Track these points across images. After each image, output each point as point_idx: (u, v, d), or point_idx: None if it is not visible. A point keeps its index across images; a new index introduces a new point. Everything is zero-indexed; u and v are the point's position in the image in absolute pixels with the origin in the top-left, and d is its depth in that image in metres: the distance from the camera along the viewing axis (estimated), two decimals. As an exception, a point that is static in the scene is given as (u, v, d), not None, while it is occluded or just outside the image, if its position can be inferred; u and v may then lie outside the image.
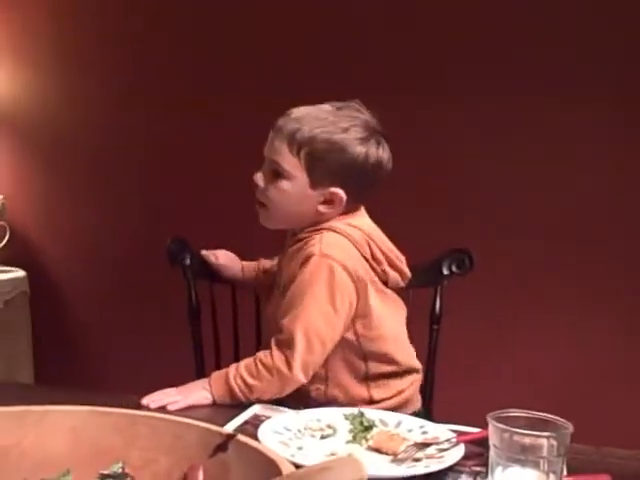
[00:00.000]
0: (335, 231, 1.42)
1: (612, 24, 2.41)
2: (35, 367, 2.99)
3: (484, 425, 1.18)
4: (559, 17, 2.46)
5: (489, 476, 0.99)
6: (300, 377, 1.36)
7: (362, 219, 1.48)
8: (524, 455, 0.96)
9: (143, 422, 0.86)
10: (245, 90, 2.78)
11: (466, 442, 1.14)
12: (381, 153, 1.44)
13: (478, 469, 1.09)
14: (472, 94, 2.55)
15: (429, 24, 2.59)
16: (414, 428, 1.21)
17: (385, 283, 1.48)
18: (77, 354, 3.04)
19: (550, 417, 0.99)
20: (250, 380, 1.36)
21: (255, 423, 1.22)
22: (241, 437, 0.79)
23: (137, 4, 2.97)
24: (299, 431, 1.19)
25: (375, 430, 1.20)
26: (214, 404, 1.37)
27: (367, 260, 1.43)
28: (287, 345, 1.36)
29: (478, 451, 1.14)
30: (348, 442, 1.18)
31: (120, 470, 0.80)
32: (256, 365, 1.37)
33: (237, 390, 1.35)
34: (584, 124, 2.45)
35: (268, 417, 1.24)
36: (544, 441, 0.97)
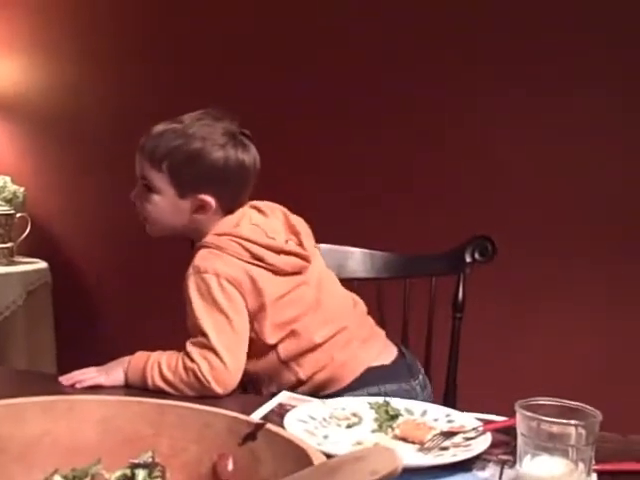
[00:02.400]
0: (205, 246, 1.47)
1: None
2: (58, 357, 3.02)
3: (509, 413, 1.17)
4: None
5: (517, 464, 0.98)
6: (217, 390, 1.37)
7: (232, 221, 1.51)
8: (552, 443, 0.96)
9: (172, 411, 0.86)
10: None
11: (493, 430, 1.14)
12: (241, 155, 1.49)
13: (505, 458, 1.08)
14: (499, 79, 2.54)
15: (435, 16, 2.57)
16: (440, 417, 1.21)
17: (281, 272, 1.48)
18: (99, 344, 3.06)
19: (578, 405, 0.98)
20: (166, 371, 1.38)
21: (280, 412, 1.22)
22: (271, 426, 0.79)
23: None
24: (324, 420, 1.18)
25: (401, 419, 1.20)
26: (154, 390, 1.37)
27: (246, 261, 1.45)
28: (197, 362, 1.38)
29: (505, 440, 1.13)
30: (374, 431, 1.17)
31: (150, 459, 0.80)
32: (177, 361, 1.38)
33: (149, 376, 1.38)
34: (618, 108, 2.42)
35: (293, 406, 1.24)
36: (572, 429, 0.96)
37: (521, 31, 2.49)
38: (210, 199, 1.48)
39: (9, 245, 2.91)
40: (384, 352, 1.58)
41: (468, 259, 1.81)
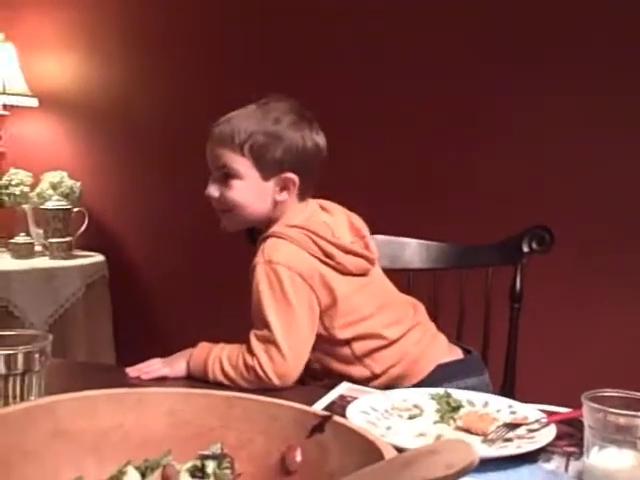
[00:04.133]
0: (276, 236, 1.45)
1: None
2: (116, 348, 3.07)
3: (570, 404, 1.16)
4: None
5: (585, 456, 0.97)
6: (277, 383, 1.37)
7: (303, 214, 1.50)
8: (620, 435, 0.94)
9: (238, 403, 0.87)
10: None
11: (557, 422, 1.12)
12: (315, 136, 1.51)
13: (571, 450, 1.07)
14: (556, 75, 2.50)
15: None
16: (502, 408, 1.20)
17: (346, 272, 1.47)
18: (156, 335, 3.11)
19: (647, 397, 0.97)
20: (227, 367, 1.38)
21: (342, 404, 1.23)
22: (338, 418, 0.79)
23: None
24: (386, 411, 1.19)
25: (463, 410, 1.19)
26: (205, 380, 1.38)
27: (316, 257, 1.44)
28: (258, 356, 1.37)
29: (569, 431, 1.12)
30: (436, 422, 1.17)
31: (219, 451, 0.81)
32: (238, 357, 1.39)
33: (210, 370, 1.38)
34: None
35: (354, 398, 1.25)
36: (639, 421, 0.95)
37: (586, 24, 2.46)
38: (294, 176, 1.47)
39: (67, 239, 2.96)
40: (451, 349, 1.58)
41: (525, 249, 1.80)
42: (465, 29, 2.61)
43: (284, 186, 1.48)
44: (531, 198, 2.52)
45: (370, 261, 1.52)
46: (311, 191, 1.54)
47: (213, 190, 1.51)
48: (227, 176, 1.48)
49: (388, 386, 1.47)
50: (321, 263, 1.44)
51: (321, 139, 1.52)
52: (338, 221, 1.55)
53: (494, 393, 1.42)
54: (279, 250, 1.43)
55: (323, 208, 1.57)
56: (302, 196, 1.51)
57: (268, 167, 1.47)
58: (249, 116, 1.48)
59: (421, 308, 1.62)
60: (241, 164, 1.46)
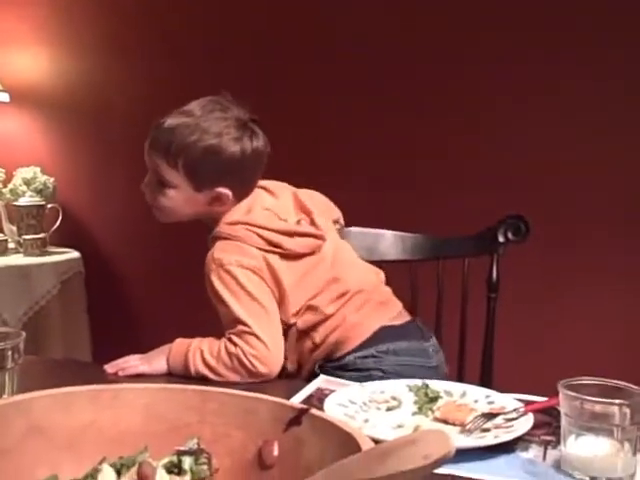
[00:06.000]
0: (222, 238, 1.45)
1: None
2: (92, 345, 3.05)
3: (544, 393, 1.17)
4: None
5: (562, 444, 0.98)
6: (263, 371, 1.37)
7: (242, 207, 1.49)
8: (597, 423, 0.95)
9: (214, 398, 0.86)
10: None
11: (534, 411, 1.13)
12: (255, 143, 1.48)
13: (548, 438, 1.08)
14: (529, 62, 2.51)
15: None
16: (480, 398, 1.21)
17: (296, 256, 1.47)
18: (133, 332, 3.09)
19: (623, 384, 0.97)
20: (208, 357, 1.37)
21: (319, 397, 1.23)
22: (315, 411, 0.79)
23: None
24: (364, 404, 1.18)
25: (441, 401, 1.19)
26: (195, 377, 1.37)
27: (263, 249, 1.44)
28: (241, 345, 1.37)
29: (546, 420, 1.12)
30: (414, 414, 1.17)
31: (196, 446, 0.80)
32: (220, 346, 1.38)
33: (191, 362, 1.37)
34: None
35: (332, 390, 1.24)
36: (616, 409, 0.95)
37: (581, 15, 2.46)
38: (227, 191, 1.47)
39: (42, 236, 2.94)
40: (398, 318, 1.56)
41: (501, 239, 1.80)
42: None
43: (217, 198, 1.48)
44: (507, 188, 2.53)
45: (318, 237, 1.50)
46: (250, 191, 1.52)
47: (148, 191, 1.53)
48: (160, 182, 1.49)
49: (329, 354, 1.48)
50: (269, 253, 1.44)
51: (261, 142, 1.49)
52: (283, 202, 1.54)
53: (472, 382, 1.43)
54: (227, 251, 1.43)
55: (267, 190, 1.55)
56: (241, 198, 1.50)
57: (201, 181, 1.46)
58: (189, 126, 1.45)
59: (380, 276, 1.61)
60: (174, 176, 1.47)
